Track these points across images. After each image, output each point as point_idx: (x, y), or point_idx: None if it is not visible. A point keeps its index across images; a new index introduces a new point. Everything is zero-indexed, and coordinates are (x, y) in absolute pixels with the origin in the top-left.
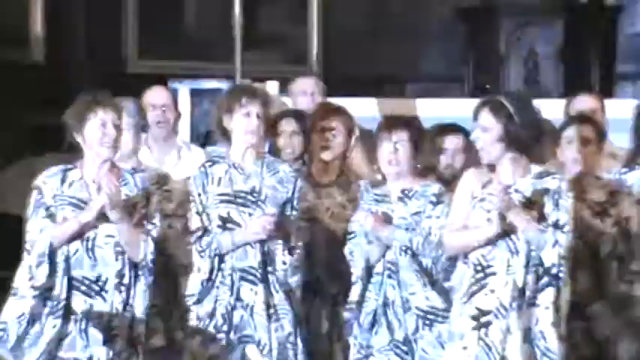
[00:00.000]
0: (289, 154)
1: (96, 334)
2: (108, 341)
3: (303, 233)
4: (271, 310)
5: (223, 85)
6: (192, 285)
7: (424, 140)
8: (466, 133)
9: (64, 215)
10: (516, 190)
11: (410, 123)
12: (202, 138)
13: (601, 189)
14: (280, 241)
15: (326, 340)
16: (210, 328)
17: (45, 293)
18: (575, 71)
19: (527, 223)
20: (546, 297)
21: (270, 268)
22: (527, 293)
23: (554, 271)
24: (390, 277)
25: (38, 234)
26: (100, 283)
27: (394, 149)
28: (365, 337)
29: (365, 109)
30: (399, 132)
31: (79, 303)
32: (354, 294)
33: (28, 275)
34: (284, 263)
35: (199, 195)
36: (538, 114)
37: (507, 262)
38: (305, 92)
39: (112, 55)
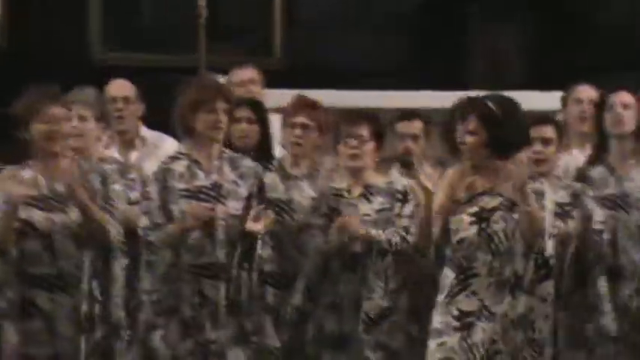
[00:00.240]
0: (242, 141)
1: (66, 329)
2: (86, 331)
3: (271, 225)
4: (235, 306)
5: (187, 78)
6: (148, 280)
7: (385, 131)
8: (425, 120)
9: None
10: (500, 194)
11: (372, 117)
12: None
13: (564, 190)
14: (246, 235)
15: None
16: (172, 324)
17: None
18: (541, 64)
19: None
20: (543, 288)
21: (234, 263)
22: (525, 282)
23: (552, 262)
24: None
25: None
26: (63, 278)
27: (356, 143)
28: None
29: (329, 101)
30: (360, 126)
31: (43, 300)
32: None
33: None
34: (250, 256)
35: (159, 191)
36: (523, 119)
37: (490, 263)
38: (243, 82)
39: (75, 45)
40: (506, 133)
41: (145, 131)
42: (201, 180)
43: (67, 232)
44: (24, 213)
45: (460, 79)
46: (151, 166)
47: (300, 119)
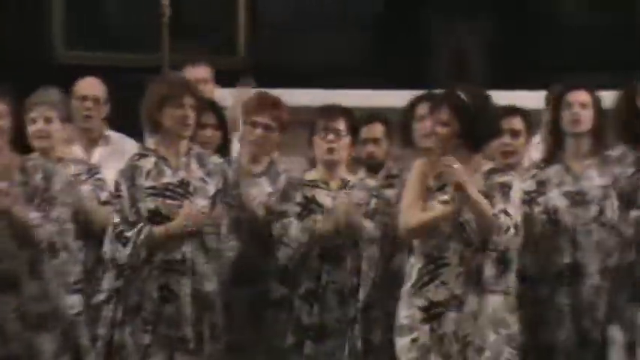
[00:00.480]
0: (205, 147)
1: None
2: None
3: (234, 223)
4: (201, 302)
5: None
6: (109, 279)
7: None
8: (386, 122)
9: None
10: None
11: (348, 112)
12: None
13: (531, 179)
14: (212, 232)
15: (255, 329)
16: (138, 321)
17: None
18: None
19: (485, 205)
20: (504, 282)
21: (200, 259)
22: (486, 279)
23: (509, 256)
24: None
25: None
26: (9, 278)
27: (333, 137)
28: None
29: (293, 100)
30: (338, 120)
31: None
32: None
33: None
34: (216, 252)
35: (128, 188)
36: (495, 111)
37: (460, 253)
38: (197, 81)
39: (37, 44)
40: (478, 125)
41: (107, 131)
42: (169, 177)
43: (6, 232)
44: None
45: (424, 78)
46: (114, 165)
47: (262, 119)
